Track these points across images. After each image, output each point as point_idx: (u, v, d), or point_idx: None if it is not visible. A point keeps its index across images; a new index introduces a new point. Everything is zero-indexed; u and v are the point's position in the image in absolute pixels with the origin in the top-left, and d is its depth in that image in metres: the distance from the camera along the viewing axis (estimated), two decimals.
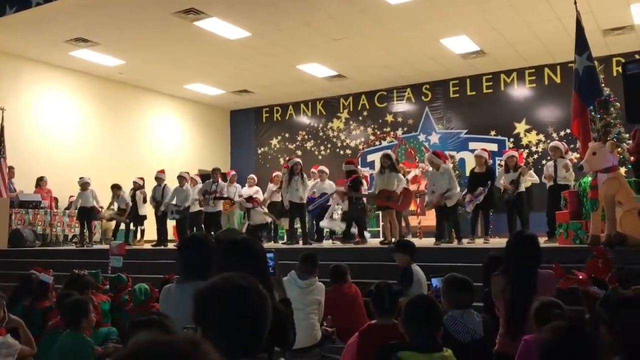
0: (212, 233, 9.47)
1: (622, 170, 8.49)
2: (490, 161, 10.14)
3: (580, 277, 4.27)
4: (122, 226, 12.42)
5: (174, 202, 11.45)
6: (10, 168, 12.26)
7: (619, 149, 8.43)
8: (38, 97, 13.80)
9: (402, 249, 6.08)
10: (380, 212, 11.13)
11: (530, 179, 10.10)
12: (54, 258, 10.21)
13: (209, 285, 1.68)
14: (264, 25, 11.50)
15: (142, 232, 12.45)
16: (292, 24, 11.45)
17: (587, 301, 3.92)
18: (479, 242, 9.20)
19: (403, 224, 11.03)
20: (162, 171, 11.96)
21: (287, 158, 12.62)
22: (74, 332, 4.00)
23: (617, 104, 8.85)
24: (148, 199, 12.05)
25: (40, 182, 12.96)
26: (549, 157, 9.42)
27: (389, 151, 10.44)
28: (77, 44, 12.53)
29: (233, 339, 1.59)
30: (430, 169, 10.63)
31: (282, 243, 10.96)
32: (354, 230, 10.30)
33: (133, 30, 11.70)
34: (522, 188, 9.24)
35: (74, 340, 3.98)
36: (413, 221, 12.48)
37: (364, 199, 10.29)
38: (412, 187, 12.48)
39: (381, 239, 10.26)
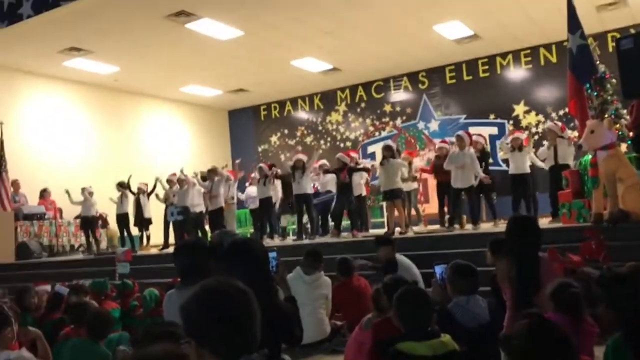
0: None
1: (622, 146, 8.50)
2: (488, 146, 10.18)
3: (575, 259, 4.29)
4: (136, 231, 12.42)
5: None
6: (15, 181, 12.49)
7: (617, 126, 8.41)
8: (36, 109, 13.83)
9: (384, 243, 6.47)
10: (384, 203, 11.05)
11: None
12: (61, 268, 10.26)
13: (190, 296, 1.68)
14: (254, 23, 11.48)
15: (148, 237, 12.47)
16: (283, 20, 11.42)
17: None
18: (485, 227, 9.17)
19: (413, 212, 11.03)
20: (174, 174, 12.01)
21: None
22: (89, 340, 4.04)
23: (614, 80, 8.79)
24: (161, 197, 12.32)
25: (43, 193, 13.06)
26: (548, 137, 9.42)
27: (389, 142, 10.47)
28: (71, 53, 12.54)
29: (224, 343, 1.60)
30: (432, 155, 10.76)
31: (281, 240, 10.92)
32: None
33: (125, 36, 11.70)
34: (527, 169, 9.19)
35: (89, 348, 4.02)
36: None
37: (362, 193, 10.47)
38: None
39: (385, 230, 10.25)
